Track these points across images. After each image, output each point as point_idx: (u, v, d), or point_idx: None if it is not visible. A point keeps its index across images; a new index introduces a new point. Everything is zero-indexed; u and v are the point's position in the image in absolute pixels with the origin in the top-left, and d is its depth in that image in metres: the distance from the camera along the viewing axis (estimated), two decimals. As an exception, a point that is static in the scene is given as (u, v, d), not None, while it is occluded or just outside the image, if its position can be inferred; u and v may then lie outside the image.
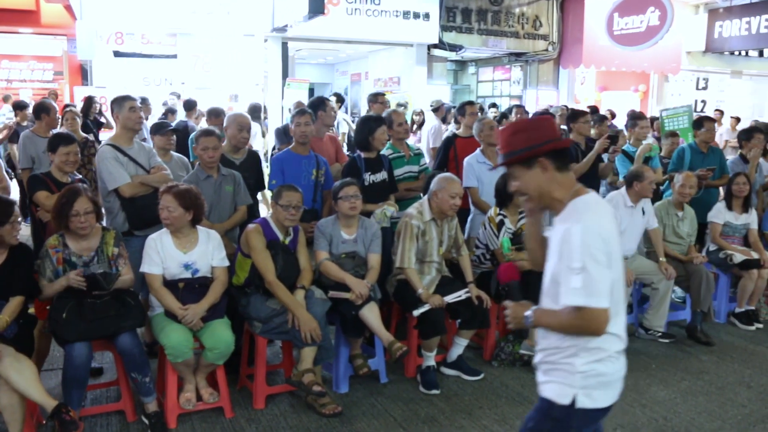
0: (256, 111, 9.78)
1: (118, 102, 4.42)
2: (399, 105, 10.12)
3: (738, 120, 14.32)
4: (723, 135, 13.78)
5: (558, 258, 2.12)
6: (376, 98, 7.34)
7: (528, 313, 2.22)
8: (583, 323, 2.06)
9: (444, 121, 9.34)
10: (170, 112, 9.96)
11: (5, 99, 12.99)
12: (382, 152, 5.01)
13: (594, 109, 10.40)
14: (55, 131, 5.94)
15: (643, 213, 5.32)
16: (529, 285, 4.45)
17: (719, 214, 5.83)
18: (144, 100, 8.80)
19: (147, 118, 8.59)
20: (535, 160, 2.17)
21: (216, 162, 4.42)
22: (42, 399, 3.27)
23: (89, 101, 8.91)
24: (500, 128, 2.33)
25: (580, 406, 2.12)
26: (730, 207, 5.83)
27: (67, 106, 8.49)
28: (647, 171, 5.29)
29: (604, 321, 2.05)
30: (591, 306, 2.02)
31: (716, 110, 15.14)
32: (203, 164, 4.42)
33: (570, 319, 2.08)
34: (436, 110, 9.89)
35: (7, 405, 3.27)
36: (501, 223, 4.76)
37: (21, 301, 3.52)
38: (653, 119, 9.79)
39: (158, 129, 5.27)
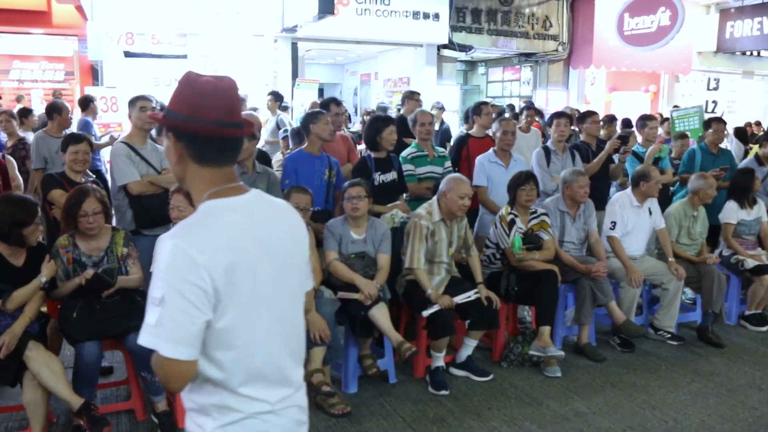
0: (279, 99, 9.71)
1: (132, 102, 4.53)
2: (434, 107, 10.03)
3: (759, 125, 14.12)
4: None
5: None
6: (412, 95, 7.31)
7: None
8: (160, 372, 1.52)
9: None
10: None
11: (18, 99, 13.07)
12: (403, 151, 5.04)
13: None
14: (67, 131, 5.99)
15: (650, 213, 5.29)
16: (542, 285, 4.52)
17: (732, 213, 5.74)
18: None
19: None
20: (168, 132, 1.65)
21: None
22: (69, 396, 3.31)
23: None
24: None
25: None
26: (740, 204, 5.77)
27: None
28: (653, 171, 5.29)
29: (178, 376, 1.51)
30: (160, 352, 1.48)
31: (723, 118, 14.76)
32: None
33: (154, 363, 1.53)
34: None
35: (31, 401, 3.30)
36: (512, 222, 4.75)
37: (41, 297, 3.56)
38: (665, 119, 9.73)
39: None
